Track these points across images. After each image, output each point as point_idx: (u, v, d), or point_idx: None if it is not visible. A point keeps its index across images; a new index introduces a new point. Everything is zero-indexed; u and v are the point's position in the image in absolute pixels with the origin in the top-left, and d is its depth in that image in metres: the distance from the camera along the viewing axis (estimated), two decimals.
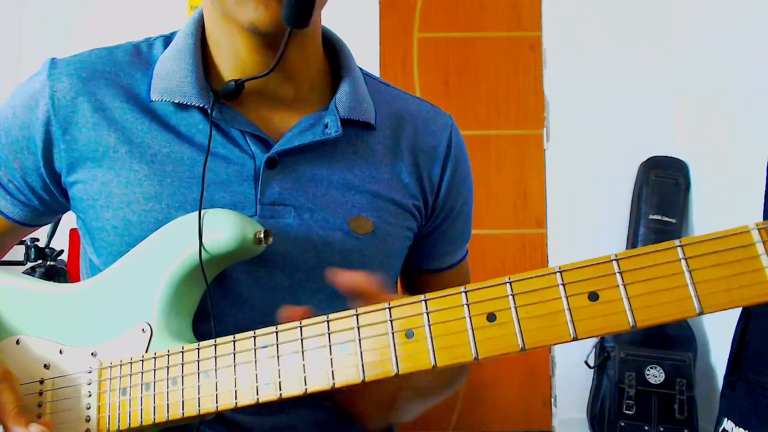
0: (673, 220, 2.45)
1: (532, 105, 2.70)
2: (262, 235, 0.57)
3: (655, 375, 2.23)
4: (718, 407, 1.90)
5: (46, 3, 2.71)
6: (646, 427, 2.22)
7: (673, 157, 2.53)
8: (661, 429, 2.20)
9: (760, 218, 1.84)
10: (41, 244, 2.00)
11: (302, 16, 0.55)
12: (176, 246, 0.58)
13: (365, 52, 2.67)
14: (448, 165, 0.70)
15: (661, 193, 2.47)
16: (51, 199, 0.66)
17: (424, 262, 0.74)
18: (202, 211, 0.57)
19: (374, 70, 2.55)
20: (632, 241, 2.50)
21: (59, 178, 0.64)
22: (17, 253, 1.99)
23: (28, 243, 1.97)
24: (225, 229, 0.56)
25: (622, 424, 2.24)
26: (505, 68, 2.72)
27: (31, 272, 2.01)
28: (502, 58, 2.72)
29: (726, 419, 1.81)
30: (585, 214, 2.61)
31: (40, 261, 2.01)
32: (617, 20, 2.64)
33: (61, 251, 2.07)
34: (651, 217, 2.46)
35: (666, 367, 2.23)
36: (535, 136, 2.70)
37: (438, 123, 0.72)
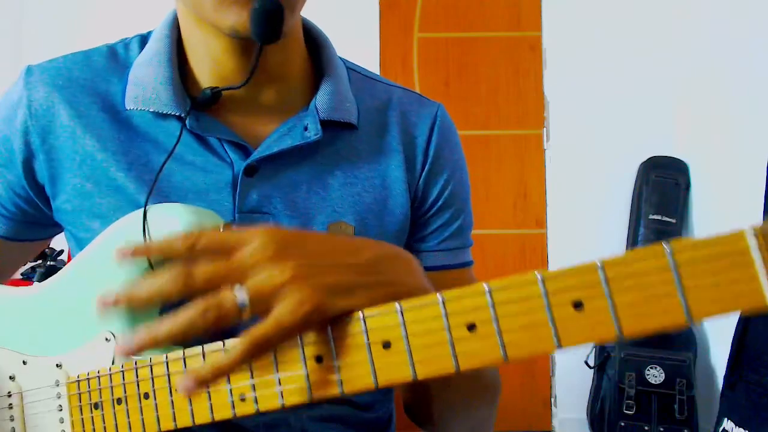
0: (673, 220, 2.45)
1: (532, 105, 2.70)
2: (221, 230, 0.53)
3: (655, 375, 2.23)
4: (718, 407, 1.91)
5: (46, 3, 2.71)
6: (646, 427, 2.22)
7: (673, 157, 2.53)
8: (661, 429, 2.20)
9: (760, 218, 1.84)
10: None
11: (272, 32, 0.54)
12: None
13: (365, 52, 2.67)
14: (429, 153, 0.68)
15: (661, 193, 2.47)
16: (36, 212, 0.65)
17: (416, 258, 0.70)
18: (151, 206, 0.54)
19: (374, 70, 2.55)
20: (632, 241, 2.50)
21: (42, 189, 0.63)
22: None
23: None
24: (176, 225, 0.52)
25: (622, 424, 2.24)
26: (505, 68, 2.72)
27: (31, 272, 2.02)
28: (502, 58, 2.72)
29: (726, 419, 1.81)
30: (585, 214, 2.61)
31: (40, 261, 2.01)
32: (617, 20, 2.64)
33: (61, 251, 2.07)
34: (651, 217, 2.46)
35: (666, 367, 2.23)
36: (535, 136, 2.70)
37: (421, 112, 0.70)
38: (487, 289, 0.38)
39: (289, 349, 0.44)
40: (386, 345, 0.41)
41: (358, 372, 0.42)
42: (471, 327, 0.38)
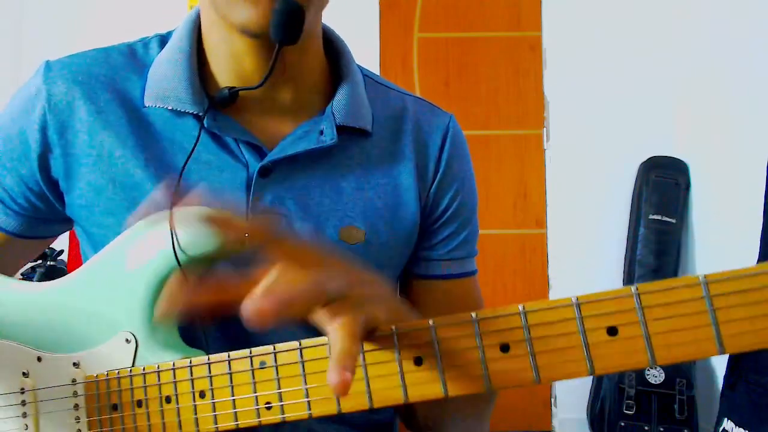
0: (673, 220, 2.45)
1: (532, 105, 2.70)
2: (246, 234, 0.52)
3: (655, 375, 2.23)
4: (718, 407, 1.91)
5: (46, 3, 2.71)
6: (646, 427, 2.22)
7: (673, 157, 2.53)
8: (661, 429, 2.20)
9: (759, 218, 1.84)
10: None
11: (292, 33, 0.54)
12: (151, 247, 0.54)
13: (365, 52, 2.67)
14: (441, 163, 0.69)
15: (661, 193, 2.47)
16: (46, 207, 0.65)
17: (423, 266, 0.71)
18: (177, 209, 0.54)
19: (374, 70, 2.55)
20: (632, 242, 2.50)
21: (56, 183, 0.63)
22: None
23: None
24: (198, 227, 0.52)
25: (622, 424, 2.24)
26: (505, 68, 2.71)
27: (31, 272, 2.01)
28: (502, 58, 2.72)
29: (726, 419, 1.81)
30: (585, 214, 2.61)
31: (40, 261, 2.01)
32: (617, 20, 2.64)
33: (61, 251, 2.07)
34: (651, 217, 2.46)
35: (666, 367, 2.23)
36: (535, 136, 2.70)
37: (434, 122, 0.71)
38: (521, 310, 0.38)
39: (316, 359, 0.44)
40: (418, 361, 0.41)
41: (388, 386, 0.42)
42: (504, 348, 0.39)
